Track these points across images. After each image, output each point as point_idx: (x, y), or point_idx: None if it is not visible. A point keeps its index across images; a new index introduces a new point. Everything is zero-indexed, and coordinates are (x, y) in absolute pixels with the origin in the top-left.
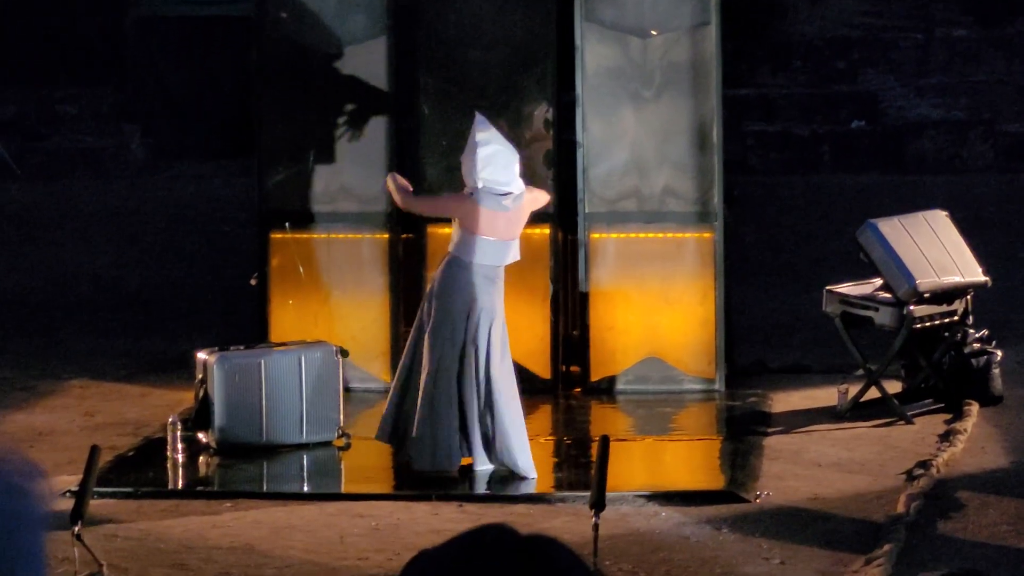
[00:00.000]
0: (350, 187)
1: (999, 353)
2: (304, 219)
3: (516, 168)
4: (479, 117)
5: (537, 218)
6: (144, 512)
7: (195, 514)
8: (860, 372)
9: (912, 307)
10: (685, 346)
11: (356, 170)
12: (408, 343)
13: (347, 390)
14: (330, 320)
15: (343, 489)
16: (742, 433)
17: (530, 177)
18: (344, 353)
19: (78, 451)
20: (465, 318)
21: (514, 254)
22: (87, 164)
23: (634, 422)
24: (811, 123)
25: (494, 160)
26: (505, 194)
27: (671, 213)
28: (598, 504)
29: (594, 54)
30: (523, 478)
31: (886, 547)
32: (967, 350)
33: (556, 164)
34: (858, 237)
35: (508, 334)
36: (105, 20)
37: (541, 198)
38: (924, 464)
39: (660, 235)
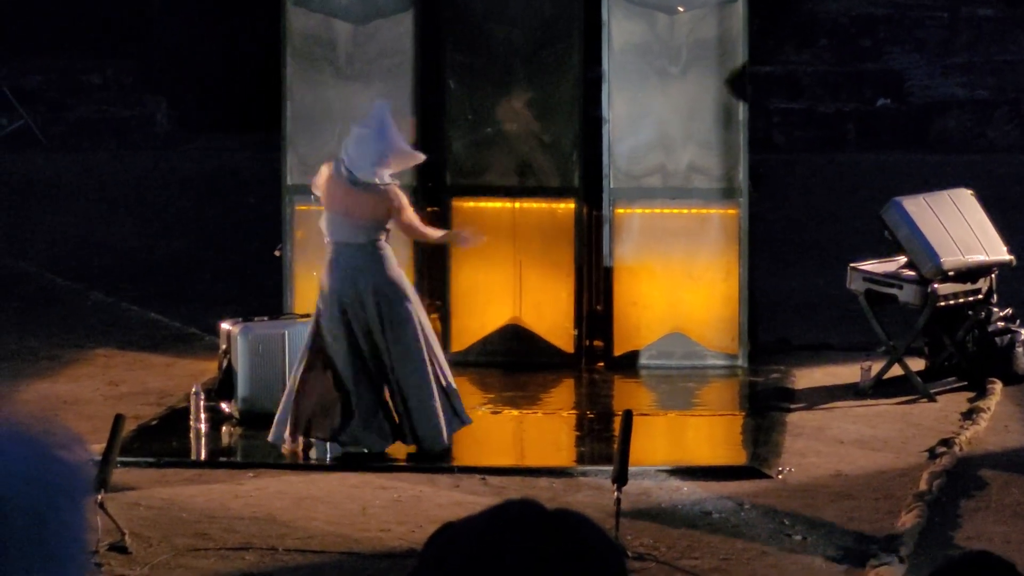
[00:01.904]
0: None
1: (1023, 332)
2: None
3: (372, 158)
4: (378, 103)
5: (562, 193)
6: (167, 481)
7: (218, 484)
8: (883, 349)
9: (936, 285)
10: (708, 322)
11: None
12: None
13: None
14: None
15: (365, 461)
16: (764, 409)
17: (555, 152)
18: None
19: (102, 420)
20: (336, 298)
21: (351, 234)
22: (112, 135)
23: (657, 397)
24: (836, 101)
25: (354, 140)
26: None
27: (696, 189)
28: (620, 478)
29: (621, 30)
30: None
31: (908, 524)
32: (991, 328)
33: (582, 140)
34: (883, 215)
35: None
36: None
37: (394, 204)
38: (947, 442)
39: (685, 211)
